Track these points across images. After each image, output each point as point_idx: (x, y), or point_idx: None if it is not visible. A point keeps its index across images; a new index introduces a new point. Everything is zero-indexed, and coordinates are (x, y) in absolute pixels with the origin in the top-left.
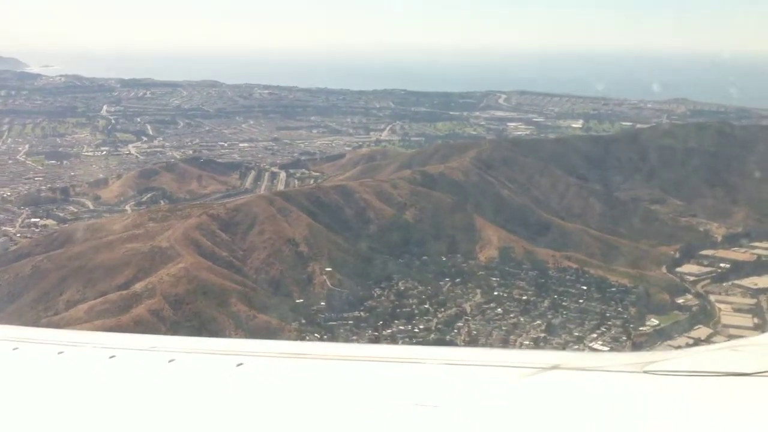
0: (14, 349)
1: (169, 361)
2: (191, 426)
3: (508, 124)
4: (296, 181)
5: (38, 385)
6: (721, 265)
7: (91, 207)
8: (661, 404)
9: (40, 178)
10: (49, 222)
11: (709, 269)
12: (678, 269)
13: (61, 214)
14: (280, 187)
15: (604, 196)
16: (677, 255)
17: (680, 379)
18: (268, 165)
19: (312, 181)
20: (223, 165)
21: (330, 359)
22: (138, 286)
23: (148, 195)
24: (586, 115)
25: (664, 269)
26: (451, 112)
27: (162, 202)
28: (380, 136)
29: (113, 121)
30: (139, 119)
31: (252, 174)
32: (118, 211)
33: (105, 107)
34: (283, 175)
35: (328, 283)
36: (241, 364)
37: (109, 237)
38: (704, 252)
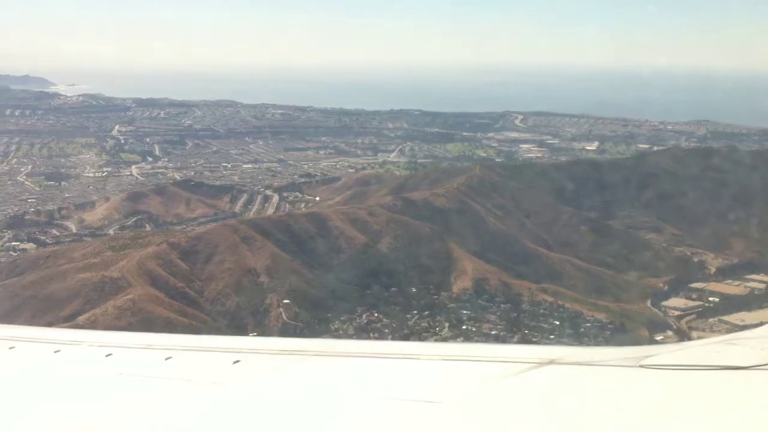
0: (11, 348)
1: (166, 359)
2: (188, 423)
3: (521, 146)
4: (287, 205)
5: (35, 383)
6: (711, 298)
7: (74, 231)
8: (657, 398)
9: (33, 200)
10: (29, 246)
11: (696, 303)
12: (663, 303)
13: (43, 238)
14: (271, 210)
15: (597, 225)
16: (666, 287)
17: (676, 372)
18: (262, 188)
19: (303, 205)
20: (215, 188)
21: (327, 356)
22: (81, 318)
23: (134, 219)
24: (603, 137)
25: (648, 303)
26: (464, 133)
27: (147, 226)
28: (388, 157)
29: (122, 142)
30: (148, 139)
31: (244, 197)
32: (101, 235)
33: (117, 127)
34: (275, 198)
35: (284, 316)
36: (237, 361)
37: (65, 265)
38: (695, 285)
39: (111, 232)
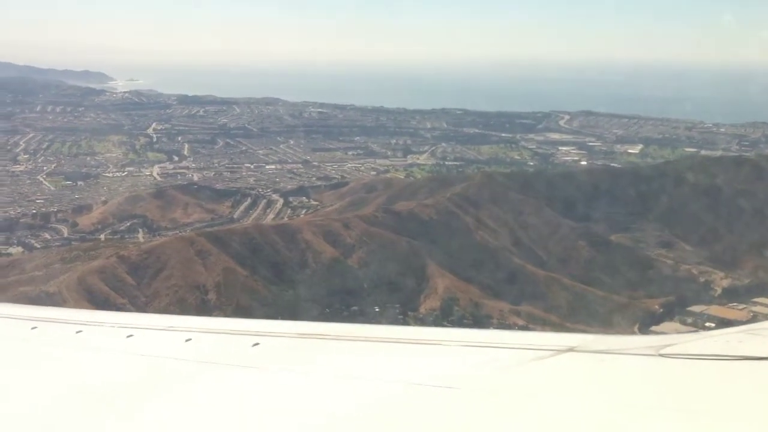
0: (33, 328)
1: (186, 341)
2: (208, 405)
3: (560, 148)
4: (289, 210)
5: (58, 363)
6: (707, 324)
7: (66, 235)
8: (676, 387)
9: (41, 201)
10: (17, 250)
11: (689, 329)
12: (653, 328)
13: (33, 242)
14: (271, 216)
15: (598, 239)
16: (661, 310)
17: (696, 362)
18: (270, 191)
19: (304, 211)
20: (219, 191)
21: (346, 340)
22: None
23: (128, 223)
24: (649, 139)
25: (636, 328)
26: (504, 134)
27: (140, 230)
28: (417, 159)
29: (154, 140)
30: (180, 138)
31: (247, 201)
32: (91, 240)
33: (153, 125)
34: (279, 203)
35: None
36: (257, 344)
37: (12, 277)
38: (693, 308)
39: (102, 237)
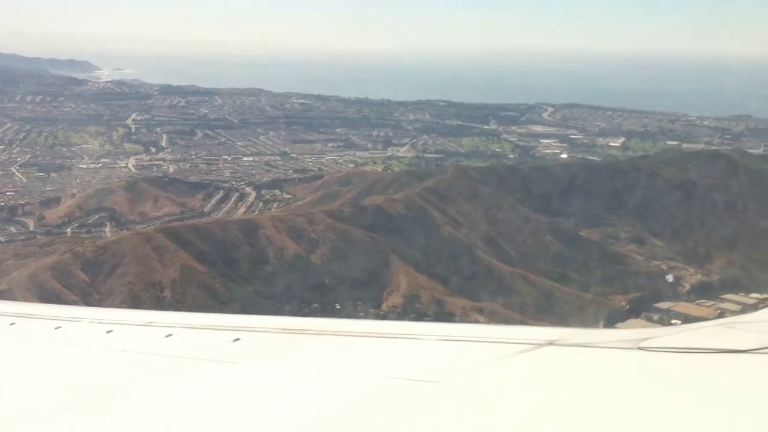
0: (11, 324)
1: (166, 336)
2: (189, 400)
3: (541, 141)
4: (261, 204)
5: (36, 359)
6: (673, 321)
7: (32, 228)
8: (655, 380)
9: (11, 193)
10: None
11: (655, 327)
12: (618, 325)
13: None
14: (243, 209)
15: (567, 235)
16: (627, 307)
17: (675, 355)
18: (244, 184)
19: (276, 205)
20: (191, 184)
21: (327, 335)
22: None
23: (95, 217)
24: (632, 132)
25: (600, 325)
26: (485, 127)
27: (108, 224)
28: (397, 152)
29: (132, 131)
30: (159, 129)
31: (219, 194)
32: (56, 234)
33: (133, 116)
34: (252, 196)
35: None
36: (238, 339)
37: None
38: (661, 304)
39: (68, 231)
